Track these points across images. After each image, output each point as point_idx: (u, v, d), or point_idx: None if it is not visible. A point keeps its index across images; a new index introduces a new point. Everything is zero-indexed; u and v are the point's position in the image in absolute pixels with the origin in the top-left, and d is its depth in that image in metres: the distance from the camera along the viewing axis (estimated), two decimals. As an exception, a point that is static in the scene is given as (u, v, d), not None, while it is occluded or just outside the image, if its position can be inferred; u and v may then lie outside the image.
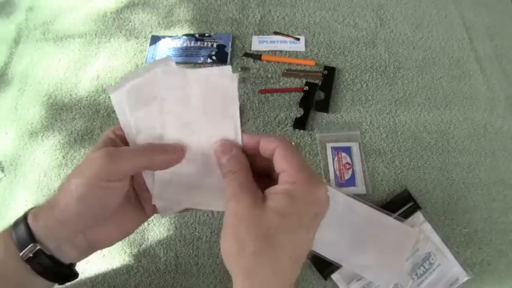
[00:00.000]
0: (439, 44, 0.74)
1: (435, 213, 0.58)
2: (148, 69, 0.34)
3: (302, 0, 0.79)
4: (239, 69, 0.71)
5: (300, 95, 0.68)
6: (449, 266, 0.54)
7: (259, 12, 0.77)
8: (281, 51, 0.73)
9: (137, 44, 0.75)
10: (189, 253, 0.56)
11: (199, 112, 0.34)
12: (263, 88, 0.69)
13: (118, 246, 0.56)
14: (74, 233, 0.33)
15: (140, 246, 0.57)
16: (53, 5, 0.80)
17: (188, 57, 0.72)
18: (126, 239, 0.57)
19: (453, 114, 0.67)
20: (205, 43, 0.73)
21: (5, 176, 0.63)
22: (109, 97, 0.46)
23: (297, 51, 0.73)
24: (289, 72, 0.70)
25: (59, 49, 0.75)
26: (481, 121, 0.66)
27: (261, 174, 0.33)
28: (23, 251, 0.31)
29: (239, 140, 0.33)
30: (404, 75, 0.71)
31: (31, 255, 0.31)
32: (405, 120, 0.66)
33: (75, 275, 0.36)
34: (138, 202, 0.37)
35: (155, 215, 0.57)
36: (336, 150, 0.63)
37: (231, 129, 0.33)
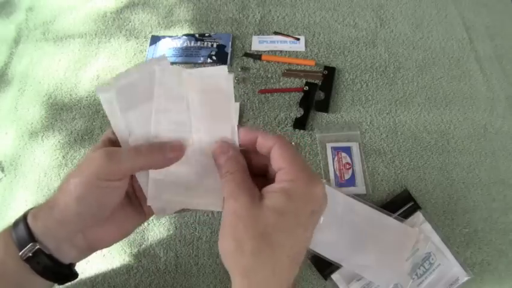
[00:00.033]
0: (439, 44, 0.74)
1: (435, 213, 0.58)
2: (141, 68, 0.33)
3: (302, 0, 0.79)
4: (239, 69, 0.71)
5: (300, 95, 0.68)
6: (449, 266, 0.54)
7: (259, 12, 0.77)
8: (281, 51, 0.73)
9: (137, 44, 0.75)
10: (189, 253, 0.56)
11: (195, 112, 0.33)
12: (263, 88, 0.69)
13: (118, 246, 0.56)
14: (73, 233, 0.33)
15: (140, 246, 0.57)
16: (53, 5, 0.80)
17: (188, 57, 0.72)
18: (126, 239, 0.57)
19: (453, 114, 0.67)
20: (205, 43, 0.73)
21: (5, 176, 0.63)
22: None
23: (297, 51, 0.73)
24: (289, 72, 0.70)
25: (59, 49, 0.75)
26: (481, 121, 0.66)
27: (256, 174, 0.33)
28: (23, 251, 0.31)
29: (236, 140, 0.33)
30: (404, 75, 0.71)
31: (30, 254, 0.31)
32: (405, 120, 0.66)
33: (75, 275, 0.36)
34: (138, 202, 0.37)
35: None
36: (336, 150, 0.63)
37: (227, 129, 0.33)
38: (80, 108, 0.68)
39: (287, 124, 0.66)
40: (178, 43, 0.73)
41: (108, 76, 0.71)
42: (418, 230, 0.54)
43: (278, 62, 0.72)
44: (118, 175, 0.32)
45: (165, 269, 0.55)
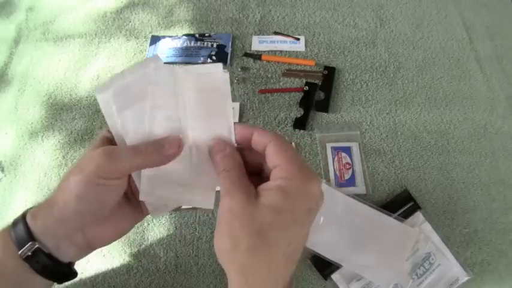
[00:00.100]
0: (439, 44, 0.74)
1: (435, 213, 0.58)
2: (136, 69, 0.34)
3: (302, 0, 0.79)
4: (239, 69, 0.71)
5: (300, 95, 0.68)
6: (449, 266, 0.54)
7: (259, 12, 0.77)
8: (281, 51, 0.73)
9: (137, 44, 0.75)
10: (189, 253, 0.56)
11: (191, 109, 0.33)
12: (263, 88, 0.69)
13: (118, 246, 0.56)
14: (73, 231, 0.33)
15: (140, 246, 0.57)
16: (53, 5, 0.80)
17: (188, 57, 0.72)
18: (126, 239, 0.57)
19: (453, 114, 0.67)
20: (205, 43, 0.73)
21: (5, 176, 0.63)
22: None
23: (297, 51, 0.73)
24: (289, 72, 0.70)
25: (59, 49, 0.75)
26: (481, 121, 0.66)
27: (252, 172, 0.33)
28: (22, 250, 0.31)
29: (233, 138, 0.33)
30: (404, 75, 0.71)
31: (30, 253, 0.31)
32: (405, 120, 0.66)
33: (74, 274, 0.36)
34: (135, 200, 0.37)
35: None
36: (336, 150, 0.63)
37: (224, 127, 0.33)
38: (80, 108, 0.68)
39: (287, 124, 0.66)
40: (178, 43, 0.73)
41: (108, 76, 0.71)
42: (418, 230, 0.54)
43: (278, 62, 0.72)
44: (117, 174, 0.32)
45: (165, 269, 0.55)
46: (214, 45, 0.73)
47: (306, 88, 0.68)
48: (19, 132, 0.67)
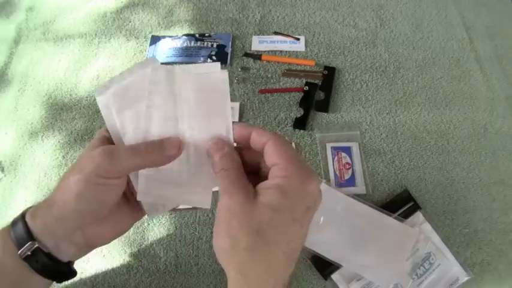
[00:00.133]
0: (439, 44, 0.74)
1: (435, 213, 0.58)
2: (135, 70, 0.34)
3: (302, 0, 0.79)
4: (239, 69, 0.71)
5: (300, 95, 0.68)
6: (449, 266, 0.54)
7: (259, 12, 0.77)
8: (281, 51, 0.73)
9: (137, 44, 0.75)
10: (189, 253, 0.56)
11: (190, 109, 0.34)
12: (263, 88, 0.69)
13: (118, 246, 0.56)
14: (72, 230, 0.33)
15: (140, 246, 0.57)
16: (53, 5, 0.80)
17: (188, 57, 0.72)
18: (126, 239, 0.57)
19: (453, 114, 0.67)
20: (205, 43, 0.73)
21: (5, 176, 0.63)
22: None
23: (297, 51, 0.73)
24: (289, 72, 0.70)
25: (59, 49, 0.75)
26: (481, 121, 0.66)
27: (249, 172, 0.33)
28: (21, 249, 0.31)
29: (231, 137, 0.34)
30: (404, 75, 0.71)
31: (29, 253, 0.31)
32: (405, 120, 0.66)
33: (74, 273, 0.36)
34: (134, 199, 0.37)
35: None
36: (336, 150, 0.63)
37: (223, 126, 0.33)
38: (80, 108, 0.68)
39: (287, 124, 0.66)
40: (178, 43, 0.73)
41: (108, 76, 0.71)
42: (418, 230, 0.54)
43: (278, 62, 0.72)
44: (117, 173, 0.32)
45: (165, 269, 0.55)
46: (214, 45, 0.73)
47: (306, 88, 0.68)
48: (19, 132, 0.67)
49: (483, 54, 0.73)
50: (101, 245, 0.37)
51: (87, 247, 0.36)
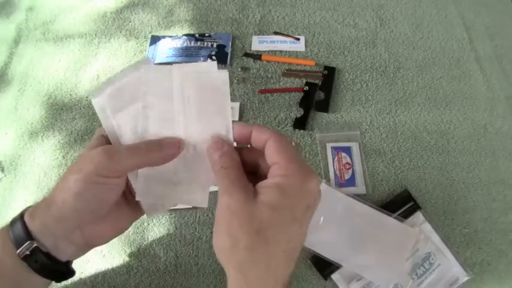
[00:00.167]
0: (439, 44, 0.74)
1: (435, 213, 0.58)
2: (129, 71, 0.34)
3: (302, 0, 0.79)
4: (239, 69, 0.71)
5: (300, 95, 0.68)
6: (449, 266, 0.54)
7: (259, 12, 0.77)
8: (281, 51, 0.73)
9: (137, 44, 0.75)
10: (189, 253, 0.56)
11: (189, 108, 0.34)
12: (263, 88, 0.69)
13: (118, 246, 0.56)
14: (71, 230, 0.33)
15: (140, 246, 0.57)
16: (53, 5, 0.80)
17: (188, 57, 0.72)
18: (126, 239, 0.57)
19: (453, 114, 0.67)
20: (205, 43, 0.73)
21: (5, 176, 0.63)
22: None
23: (297, 51, 0.73)
24: (289, 72, 0.70)
25: (59, 49, 0.75)
26: (481, 121, 0.66)
27: (249, 172, 0.33)
28: (20, 249, 0.31)
29: (231, 137, 0.34)
30: (404, 75, 0.71)
31: (28, 252, 0.31)
32: (405, 120, 0.66)
33: (72, 272, 0.36)
34: (133, 198, 0.37)
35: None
36: (336, 150, 0.63)
37: (222, 126, 0.33)
38: (80, 108, 0.68)
39: (287, 124, 0.66)
40: (178, 43, 0.73)
41: (108, 76, 0.71)
42: (418, 230, 0.54)
43: (278, 62, 0.72)
44: (117, 172, 0.32)
45: (165, 269, 0.55)
46: (214, 45, 0.73)
47: (306, 88, 0.68)
48: (19, 132, 0.67)
49: (483, 54, 0.73)
50: (99, 245, 0.37)
51: (86, 246, 0.36)
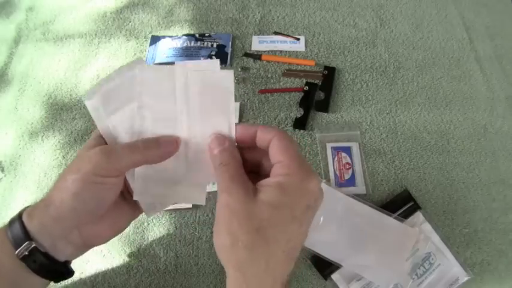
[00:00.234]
0: (439, 44, 0.74)
1: (435, 213, 0.58)
2: (122, 71, 0.34)
3: (302, 0, 0.79)
4: (239, 69, 0.71)
5: (300, 95, 0.68)
6: (449, 266, 0.54)
7: (259, 12, 0.77)
8: (281, 51, 0.73)
9: (137, 44, 0.75)
10: (189, 253, 0.56)
11: (193, 106, 0.33)
12: (263, 88, 0.69)
13: (118, 246, 0.56)
14: (69, 230, 0.33)
15: (140, 246, 0.57)
16: (53, 5, 0.80)
17: (188, 57, 0.72)
18: (126, 239, 0.57)
19: (453, 114, 0.67)
20: (205, 43, 0.73)
21: (5, 176, 0.63)
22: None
23: (297, 51, 0.73)
24: (289, 72, 0.70)
25: (59, 49, 0.75)
26: (481, 121, 0.66)
27: (250, 171, 0.33)
28: (19, 249, 0.31)
29: (233, 135, 0.34)
30: (404, 75, 0.71)
31: (26, 253, 0.31)
32: (405, 120, 0.66)
33: (71, 272, 0.36)
34: (131, 198, 0.37)
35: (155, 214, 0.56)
36: (336, 150, 0.63)
37: (224, 124, 0.33)
38: (80, 108, 0.68)
39: (287, 124, 0.66)
40: (178, 43, 0.73)
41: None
42: (418, 230, 0.54)
43: (278, 62, 0.72)
44: (115, 171, 0.32)
45: (165, 269, 0.55)
46: (214, 45, 0.73)
47: (306, 88, 0.68)
48: (19, 132, 0.67)
49: (483, 54, 0.73)
50: (98, 244, 0.37)
51: (85, 246, 0.36)
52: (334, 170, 0.61)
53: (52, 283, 0.35)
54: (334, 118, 0.66)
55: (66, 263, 0.35)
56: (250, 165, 0.33)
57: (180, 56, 0.72)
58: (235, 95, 0.68)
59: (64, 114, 0.68)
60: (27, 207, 0.34)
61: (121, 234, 0.38)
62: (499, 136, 0.65)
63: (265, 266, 0.28)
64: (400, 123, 0.66)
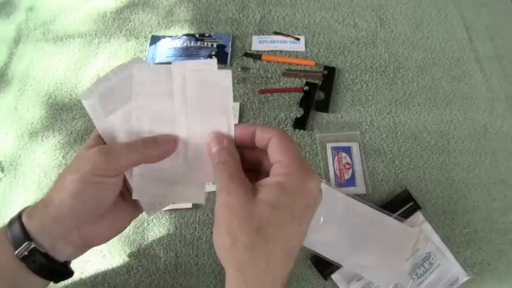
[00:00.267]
0: (439, 44, 0.74)
1: (435, 213, 0.58)
2: (119, 71, 0.34)
3: (302, 0, 0.79)
4: (239, 69, 0.71)
5: (300, 95, 0.68)
6: (449, 266, 0.54)
7: (259, 12, 0.77)
8: (281, 51, 0.73)
9: (137, 44, 0.75)
10: (189, 253, 0.56)
11: (190, 106, 0.33)
12: (263, 88, 0.69)
13: (118, 246, 0.56)
14: (68, 230, 0.33)
15: (140, 246, 0.57)
16: (53, 5, 0.80)
17: (188, 57, 0.72)
18: (126, 239, 0.57)
19: (453, 114, 0.67)
20: (205, 43, 0.73)
21: (5, 176, 0.63)
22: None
23: (297, 51, 0.73)
24: (289, 72, 0.70)
25: (59, 49, 0.75)
26: (481, 121, 0.66)
27: (249, 170, 0.33)
28: (18, 250, 0.31)
29: (232, 135, 0.34)
30: (404, 75, 0.71)
31: (26, 253, 0.31)
32: (405, 120, 0.66)
33: (71, 273, 0.36)
34: (131, 197, 0.37)
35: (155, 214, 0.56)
36: (336, 150, 0.63)
37: (223, 124, 0.33)
38: (80, 108, 0.68)
39: (287, 124, 0.66)
40: (178, 43, 0.73)
41: (108, 76, 0.71)
42: (418, 230, 0.54)
43: (278, 62, 0.72)
44: (114, 171, 0.32)
45: (165, 269, 0.55)
46: (214, 45, 0.73)
47: (306, 88, 0.68)
48: (19, 132, 0.67)
49: (483, 54, 0.73)
50: (97, 244, 0.37)
51: (84, 246, 0.36)
52: (334, 170, 0.61)
53: (52, 283, 0.35)
54: (334, 118, 0.66)
55: (66, 263, 0.35)
56: (249, 164, 0.33)
57: (180, 56, 0.72)
58: (235, 95, 0.68)
59: (64, 114, 0.68)
60: (27, 207, 0.34)
61: (121, 234, 0.38)
62: (499, 136, 0.65)
63: (265, 266, 0.28)
64: (400, 123, 0.66)
